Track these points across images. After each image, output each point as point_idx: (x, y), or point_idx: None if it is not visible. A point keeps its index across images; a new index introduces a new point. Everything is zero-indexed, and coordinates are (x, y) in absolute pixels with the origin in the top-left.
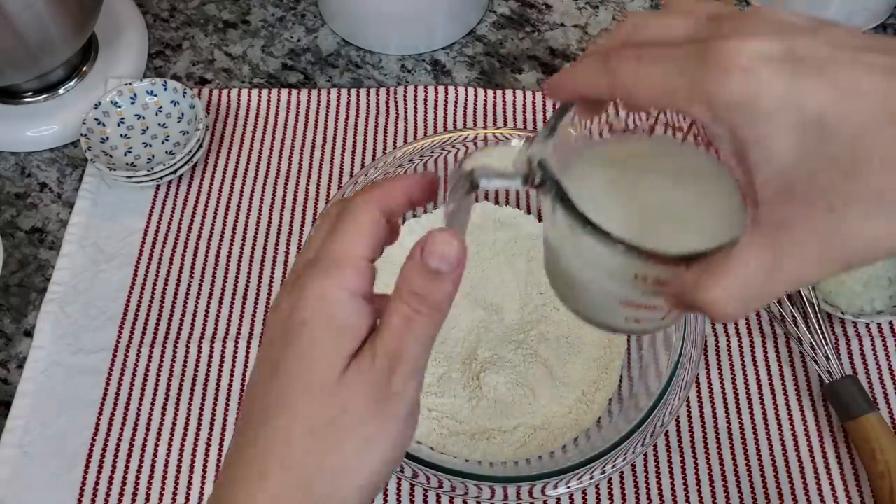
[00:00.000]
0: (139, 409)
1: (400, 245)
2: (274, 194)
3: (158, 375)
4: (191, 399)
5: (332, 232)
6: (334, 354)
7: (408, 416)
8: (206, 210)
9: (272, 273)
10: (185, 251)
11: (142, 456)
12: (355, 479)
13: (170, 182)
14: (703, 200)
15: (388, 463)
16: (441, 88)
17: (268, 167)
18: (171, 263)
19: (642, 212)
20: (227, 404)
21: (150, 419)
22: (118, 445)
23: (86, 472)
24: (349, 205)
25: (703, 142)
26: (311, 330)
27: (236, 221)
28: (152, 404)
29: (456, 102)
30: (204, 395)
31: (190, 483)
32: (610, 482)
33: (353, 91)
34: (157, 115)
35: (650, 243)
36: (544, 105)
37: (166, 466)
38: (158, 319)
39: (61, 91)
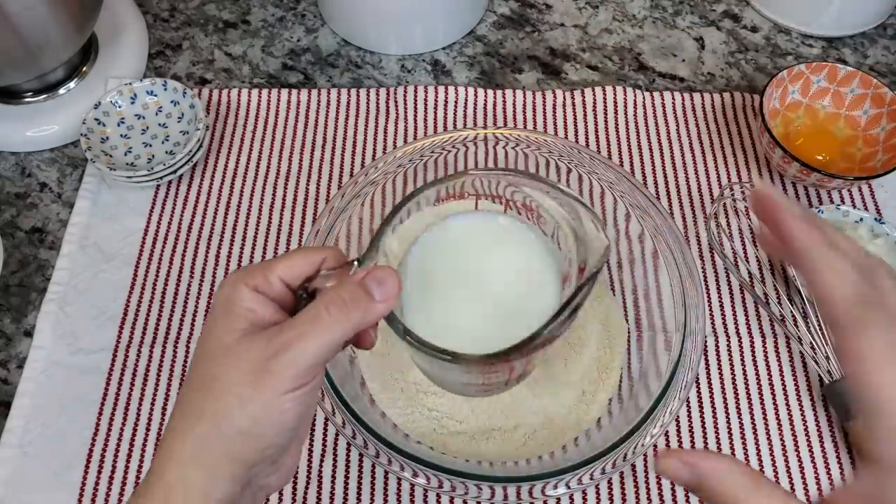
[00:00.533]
0: (139, 409)
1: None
2: (274, 194)
3: (158, 375)
4: None
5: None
6: (225, 329)
7: (285, 394)
8: (206, 210)
9: None
10: (185, 251)
11: (142, 456)
12: (235, 425)
13: (170, 182)
14: (526, 277)
15: (267, 424)
16: (441, 88)
17: (268, 167)
18: (171, 263)
19: (468, 297)
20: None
21: (150, 419)
22: (118, 445)
23: (86, 472)
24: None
25: (527, 214)
26: (213, 312)
27: (236, 221)
28: (152, 404)
29: (456, 102)
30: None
31: None
32: (610, 482)
33: (353, 91)
34: (157, 115)
35: (468, 331)
36: (544, 105)
37: None
38: (158, 319)
39: (61, 91)
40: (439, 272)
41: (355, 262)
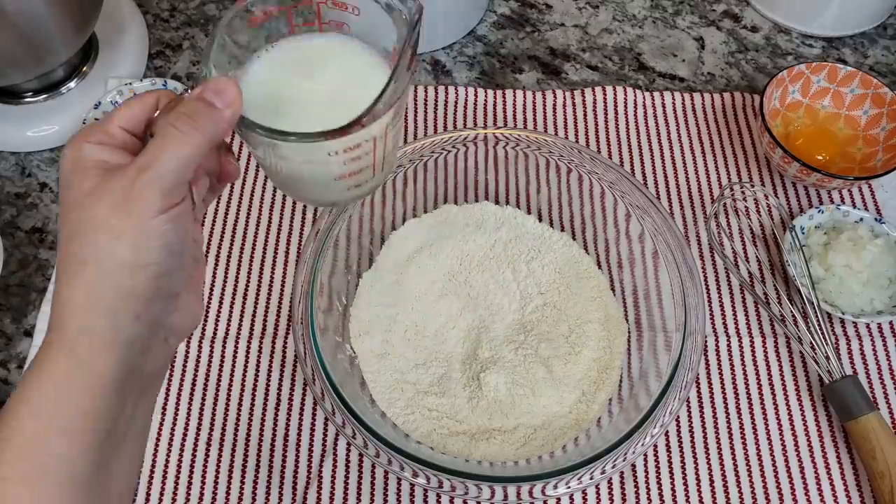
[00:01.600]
0: None
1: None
2: (274, 194)
3: None
4: (191, 399)
5: None
6: (81, 180)
7: (158, 214)
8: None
9: (272, 273)
10: None
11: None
12: (117, 260)
13: None
14: (358, 74)
15: (147, 249)
16: (441, 88)
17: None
18: None
19: (312, 103)
20: (227, 404)
21: None
22: None
23: None
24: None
25: (341, 8)
26: (63, 176)
27: (236, 221)
28: None
29: (456, 102)
30: (204, 394)
31: (190, 483)
32: (610, 482)
33: None
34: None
35: (332, 122)
36: (544, 105)
37: (166, 466)
38: None
39: (61, 91)
40: (274, 87)
41: (188, 91)
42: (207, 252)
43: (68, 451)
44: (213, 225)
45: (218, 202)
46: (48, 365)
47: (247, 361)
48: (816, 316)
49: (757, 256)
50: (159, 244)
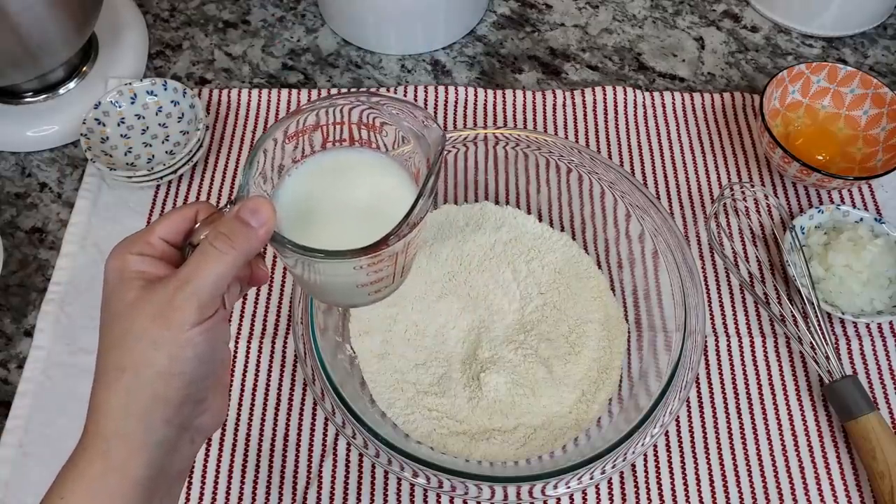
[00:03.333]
0: None
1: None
2: None
3: None
4: None
5: None
6: (124, 292)
7: (193, 327)
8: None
9: (272, 273)
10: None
11: None
12: (155, 370)
13: (170, 182)
14: (385, 190)
15: (183, 360)
16: (441, 88)
17: None
18: None
19: (350, 215)
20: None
21: None
22: None
23: None
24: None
25: (369, 131)
26: (106, 285)
27: None
28: None
29: (456, 102)
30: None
31: (190, 482)
32: (610, 482)
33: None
34: (157, 115)
35: (362, 239)
36: (544, 105)
37: None
38: None
39: (61, 91)
40: (307, 201)
41: (227, 207)
42: None
43: None
44: None
45: (218, 202)
46: (83, 465)
47: (247, 361)
48: (816, 316)
49: (757, 256)
50: (192, 354)
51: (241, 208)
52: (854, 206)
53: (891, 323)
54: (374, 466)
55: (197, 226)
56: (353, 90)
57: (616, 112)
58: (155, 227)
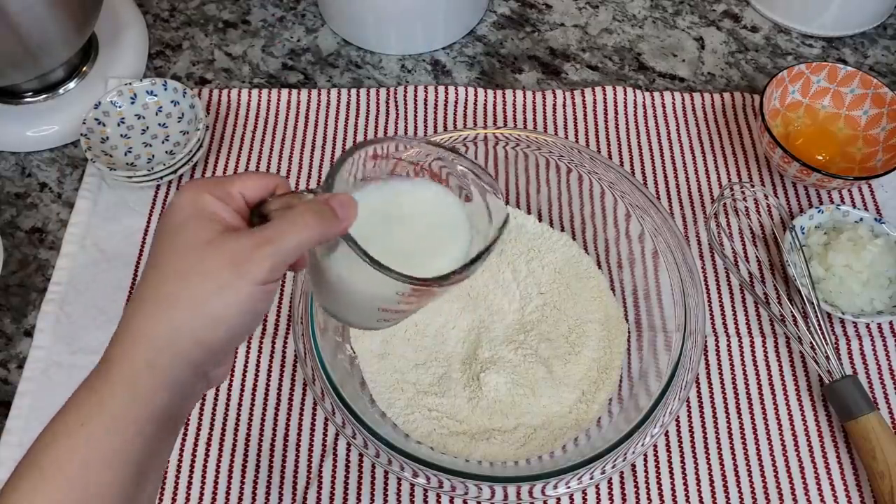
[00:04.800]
0: None
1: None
2: None
3: None
4: None
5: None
6: (202, 229)
7: (260, 284)
8: None
9: None
10: None
11: None
12: (206, 311)
13: (170, 182)
14: (447, 227)
15: (238, 311)
16: (441, 88)
17: (267, 167)
18: None
19: (405, 243)
20: (227, 403)
21: None
22: None
23: None
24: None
25: (443, 181)
26: (180, 213)
27: None
28: None
29: (456, 102)
30: (204, 394)
31: (190, 482)
32: (610, 482)
33: (353, 91)
34: (157, 115)
35: (411, 270)
36: (544, 105)
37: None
38: None
39: (61, 91)
40: (372, 216)
41: (306, 193)
42: None
43: (112, 481)
44: None
45: None
46: (105, 392)
47: (247, 361)
48: (816, 316)
49: (757, 256)
50: (248, 309)
51: (333, 198)
52: (854, 206)
53: (891, 323)
54: (374, 466)
55: (271, 198)
56: (432, 141)
57: (616, 112)
58: (236, 180)
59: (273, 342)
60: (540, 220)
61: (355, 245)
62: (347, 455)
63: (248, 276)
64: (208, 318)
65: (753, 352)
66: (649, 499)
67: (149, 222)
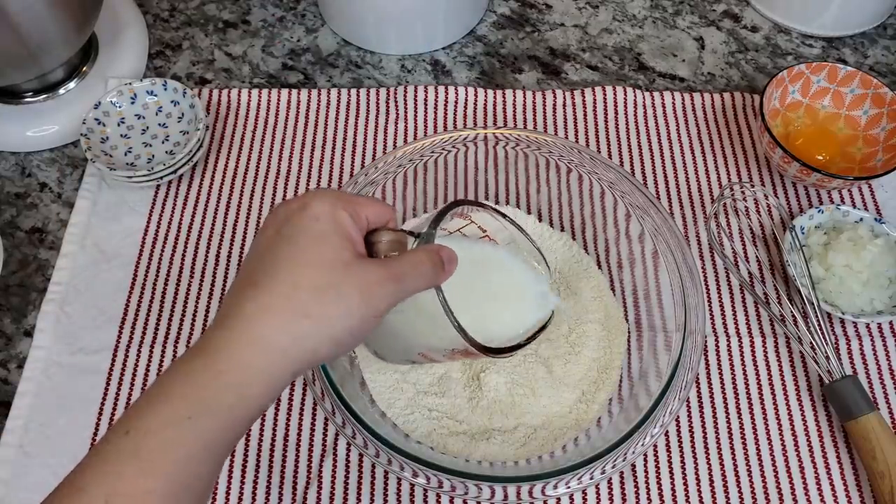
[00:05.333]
0: None
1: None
2: (274, 194)
3: (158, 375)
4: None
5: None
6: (341, 248)
7: (378, 316)
8: (206, 210)
9: None
10: (185, 251)
11: None
12: (330, 331)
13: (170, 182)
14: (518, 294)
15: (351, 335)
16: (441, 88)
17: (268, 167)
18: (171, 263)
19: (476, 304)
20: None
21: None
22: None
23: None
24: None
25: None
26: (322, 225)
27: (236, 221)
28: None
29: (456, 102)
30: None
31: None
32: (610, 482)
33: (353, 91)
34: (157, 115)
35: (476, 334)
36: (544, 105)
37: None
38: (158, 319)
39: (61, 91)
40: (456, 277)
41: (410, 237)
42: (208, 251)
43: (205, 474)
44: (213, 224)
45: (218, 202)
46: (214, 388)
47: None
48: (816, 316)
49: (757, 256)
50: (359, 335)
51: (443, 251)
52: (854, 206)
53: (891, 323)
54: (374, 466)
55: (384, 230)
56: (515, 224)
57: (616, 112)
58: (367, 204)
59: None
60: (540, 220)
61: (445, 302)
62: (347, 455)
63: (371, 307)
64: (328, 337)
65: (753, 352)
66: (649, 499)
67: (148, 222)
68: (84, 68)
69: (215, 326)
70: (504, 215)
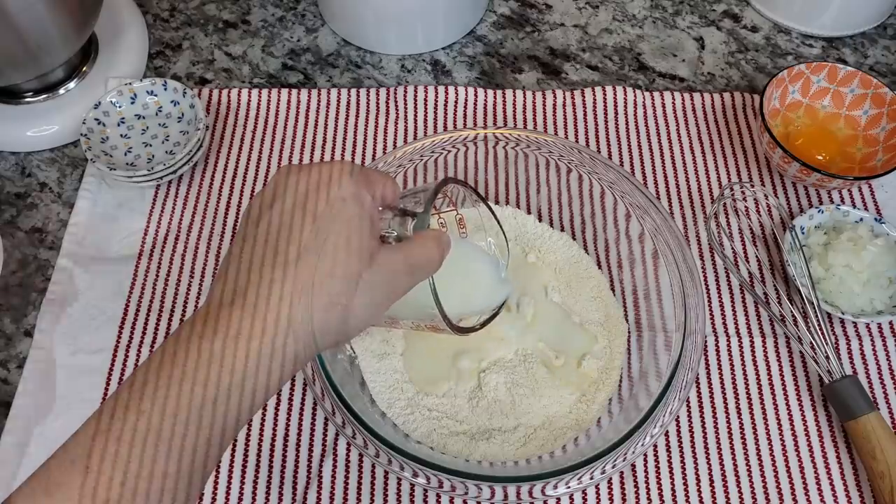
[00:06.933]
0: None
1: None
2: None
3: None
4: None
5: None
6: (368, 235)
7: (389, 305)
8: (206, 210)
9: None
10: (185, 251)
11: None
12: (356, 320)
13: (170, 182)
14: (485, 281)
15: (368, 322)
16: (441, 88)
17: (268, 167)
18: (171, 263)
19: (453, 289)
20: None
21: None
22: None
23: None
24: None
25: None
26: (350, 209)
27: (236, 221)
28: None
29: (456, 102)
30: None
31: None
32: (610, 482)
33: (353, 91)
34: (157, 115)
35: (452, 313)
36: (544, 105)
37: None
38: (158, 319)
39: (61, 91)
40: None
41: (410, 217)
42: (208, 251)
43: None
44: (213, 224)
45: (218, 202)
46: (241, 370)
47: None
48: (816, 316)
49: (757, 256)
50: (370, 325)
51: (443, 236)
52: (854, 206)
53: (891, 323)
54: (374, 466)
55: (390, 209)
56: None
57: (616, 112)
58: (387, 183)
59: None
60: (540, 220)
61: (434, 289)
62: (347, 455)
63: (392, 298)
64: (352, 324)
65: (753, 352)
66: (649, 499)
67: (148, 222)
68: (84, 68)
69: (231, 304)
70: (484, 199)
